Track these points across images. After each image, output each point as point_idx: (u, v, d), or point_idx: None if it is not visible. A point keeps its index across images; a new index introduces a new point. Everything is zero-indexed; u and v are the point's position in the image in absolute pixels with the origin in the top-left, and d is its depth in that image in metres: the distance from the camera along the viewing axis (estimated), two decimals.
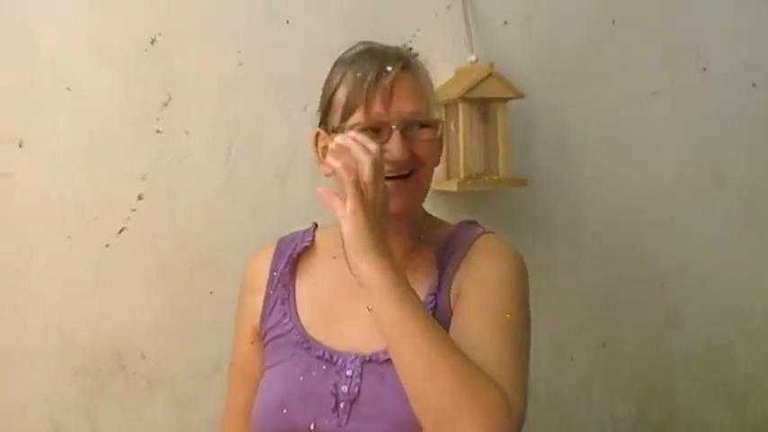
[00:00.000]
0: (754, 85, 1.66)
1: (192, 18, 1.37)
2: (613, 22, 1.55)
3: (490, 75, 1.40)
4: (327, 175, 1.06)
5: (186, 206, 1.40)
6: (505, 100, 1.43)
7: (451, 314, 1.08)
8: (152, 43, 1.35)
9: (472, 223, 1.18)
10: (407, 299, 0.94)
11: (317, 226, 1.21)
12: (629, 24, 1.56)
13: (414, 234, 1.14)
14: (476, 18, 1.48)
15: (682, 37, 1.59)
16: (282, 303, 1.15)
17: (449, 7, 1.46)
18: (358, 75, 1.07)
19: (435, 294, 1.10)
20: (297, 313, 1.15)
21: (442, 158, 1.45)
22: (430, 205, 1.16)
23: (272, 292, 1.18)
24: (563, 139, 1.58)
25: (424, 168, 1.08)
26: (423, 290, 1.10)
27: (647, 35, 1.57)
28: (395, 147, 1.05)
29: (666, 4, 1.58)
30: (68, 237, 1.35)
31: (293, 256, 1.18)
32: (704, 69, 1.61)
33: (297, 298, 1.17)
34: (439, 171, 1.43)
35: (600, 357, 1.57)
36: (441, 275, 1.11)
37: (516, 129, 1.49)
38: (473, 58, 1.45)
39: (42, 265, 1.35)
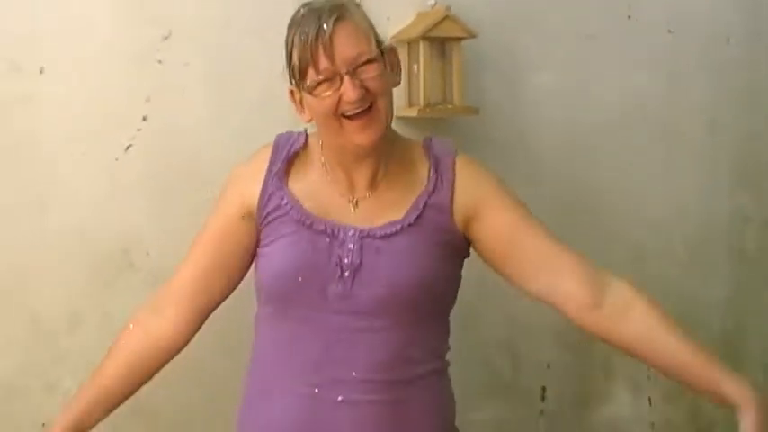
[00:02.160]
0: (669, 31, 1.78)
1: None
2: None
3: (447, 17, 1.52)
4: (308, 121, 1.21)
5: (185, 126, 1.52)
6: (460, 39, 1.55)
7: (450, 217, 1.24)
8: None
9: (431, 139, 1.29)
10: None
11: (307, 133, 1.29)
12: None
13: (385, 153, 1.23)
14: None
15: None
16: (280, 190, 1.23)
17: None
18: (302, 37, 1.14)
19: (430, 194, 1.23)
20: (295, 198, 1.23)
21: (405, 88, 1.58)
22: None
23: (269, 180, 1.25)
24: (510, 75, 1.70)
25: (381, 98, 1.17)
26: (415, 192, 1.24)
27: None
28: (348, 89, 1.13)
29: None
30: (83, 153, 1.48)
31: (289, 156, 1.27)
32: (628, 17, 1.75)
33: (291, 188, 1.25)
34: (401, 99, 1.58)
35: None
36: (435, 186, 1.24)
37: (469, 64, 1.60)
38: (432, 2, 1.57)
39: (63, 176, 1.48)
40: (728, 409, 1.18)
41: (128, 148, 1.51)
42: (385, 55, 1.19)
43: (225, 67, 1.55)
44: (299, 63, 1.16)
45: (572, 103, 1.76)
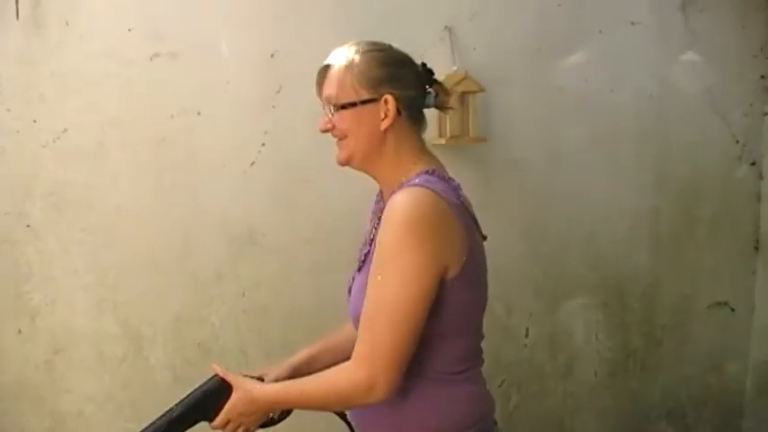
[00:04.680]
0: (611, 90, 2.26)
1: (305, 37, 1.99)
2: (538, 49, 2.16)
3: (465, 77, 1.99)
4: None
5: (290, 148, 2.01)
6: (474, 92, 2.01)
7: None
8: (272, 57, 2.00)
9: (423, 174, 1.16)
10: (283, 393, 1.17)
11: None
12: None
13: (390, 174, 1.23)
14: (457, 46, 2.08)
15: None
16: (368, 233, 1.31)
17: (441, 39, 2.07)
18: None
19: (376, 228, 1.22)
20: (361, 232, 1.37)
21: (436, 124, 1.96)
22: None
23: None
24: (505, 116, 2.15)
25: (350, 136, 1.21)
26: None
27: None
28: (321, 118, 1.24)
29: None
30: (223, 166, 1.98)
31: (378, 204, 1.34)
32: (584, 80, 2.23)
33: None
34: (434, 131, 1.97)
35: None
36: (379, 219, 1.20)
37: (479, 108, 2.04)
38: (455, 68, 2.03)
39: (210, 180, 1.98)
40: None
41: (252, 163, 2.02)
42: (377, 102, 1.18)
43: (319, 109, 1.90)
44: None
45: (545, 136, 2.23)
